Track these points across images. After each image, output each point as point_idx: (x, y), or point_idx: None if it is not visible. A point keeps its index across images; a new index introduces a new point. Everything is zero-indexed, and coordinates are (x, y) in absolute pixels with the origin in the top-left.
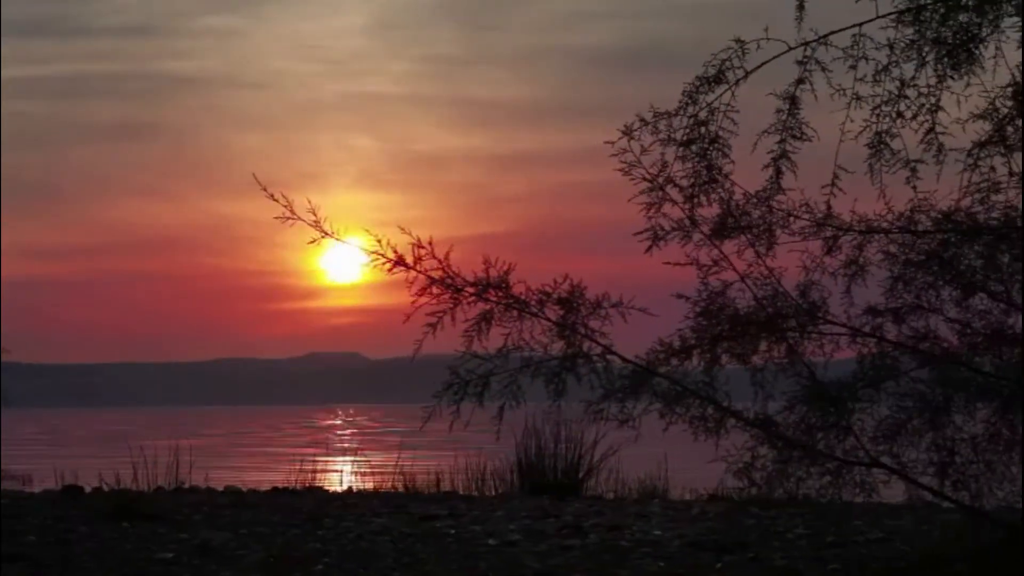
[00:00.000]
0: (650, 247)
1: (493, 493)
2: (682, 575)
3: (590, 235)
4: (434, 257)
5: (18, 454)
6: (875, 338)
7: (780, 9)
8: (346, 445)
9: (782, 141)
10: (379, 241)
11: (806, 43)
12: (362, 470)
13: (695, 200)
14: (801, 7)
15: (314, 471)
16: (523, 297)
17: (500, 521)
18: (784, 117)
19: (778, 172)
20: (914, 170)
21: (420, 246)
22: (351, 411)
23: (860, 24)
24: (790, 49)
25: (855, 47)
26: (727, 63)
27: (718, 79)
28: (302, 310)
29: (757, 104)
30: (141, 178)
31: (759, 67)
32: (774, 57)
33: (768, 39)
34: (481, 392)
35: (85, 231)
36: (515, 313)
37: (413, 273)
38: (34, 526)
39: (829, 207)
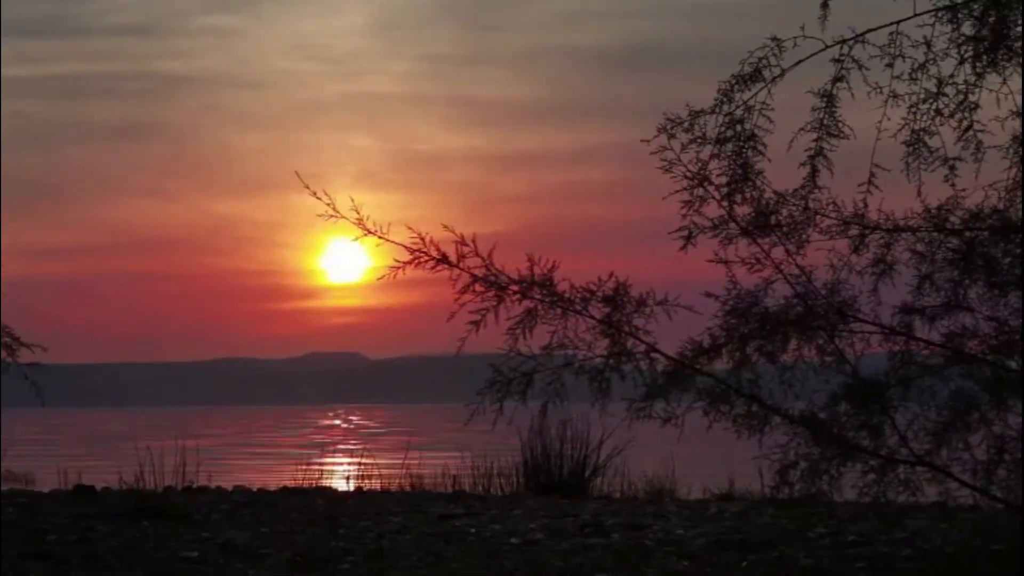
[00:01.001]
0: (685, 245)
1: (500, 493)
2: (709, 574)
3: (590, 235)
4: (478, 255)
5: (19, 454)
6: (909, 337)
7: (781, 9)
8: (350, 446)
9: (818, 139)
10: (422, 239)
11: (843, 41)
12: (368, 470)
13: (732, 198)
14: (825, 5)
15: (320, 471)
16: (567, 295)
17: (519, 520)
18: (821, 115)
19: (814, 170)
20: (952, 168)
21: (463, 244)
22: (353, 416)
23: (897, 22)
24: (827, 47)
25: (892, 45)
26: (763, 61)
27: (754, 77)
28: (302, 310)
29: (788, 103)
30: (141, 178)
31: (796, 65)
32: (810, 56)
33: (805, 37)
34: (524, 390)
35: (85, 231)
36: (559, 311)
37: (453, 271)
38: (55, 525)
39: (865, 205)
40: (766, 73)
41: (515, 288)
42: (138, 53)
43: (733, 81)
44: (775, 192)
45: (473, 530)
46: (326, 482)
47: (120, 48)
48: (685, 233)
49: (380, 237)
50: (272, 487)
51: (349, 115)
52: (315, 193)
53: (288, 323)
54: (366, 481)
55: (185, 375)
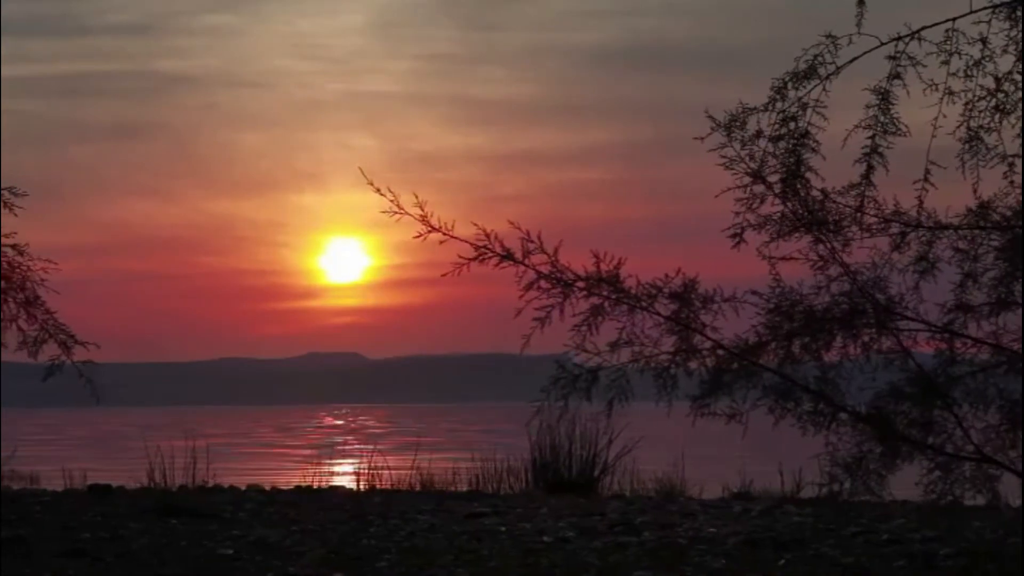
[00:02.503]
0: (737, 243)
1: (510, 492)
2: (747, 571)
3: (590, 234)
4: (544, 252)
5: (20, 454)
6: (963, 336)
7: (782, 10)
8: (357, 446)
9: (873, 136)
10: (486, 235)
11: (898, 38)
12: (378, 470)
13: (787, 195)
14: (862, 3)
15: (331, 471)
16: (634, 292)
17: (547, 518)
18: (876, 112)
19: (870, 167)
20: (1012, 165)
21: (529, 240)
22: (360, 416)
23: (954, 19)
24: (882, 44)
25: (948, 42)
26: (819, 58)
27: (808, 74)
28: (302, 310)
29: (834, 100)
30: (141, 178)
31: (851, 62)
32: (864, 53)
33: (860, 34)
34: (589, 387)
35: (84, 231)
36: (625, 308)
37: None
38: (84, 523)
39: (921, 202)
40: (821, 70)
41: (581, 285)
42: (138, 52)
43: (787, 78)
44: (821, 191)
45: (503, 528)
46: (337, 481)
47: (119, 47)
48: (738, 230)
49: (445, 234)
50: (283, 486)
51: (349, 114)
52: (379, 190)
53: (288, 323)
54: (378, 481)
55: (185, 375)
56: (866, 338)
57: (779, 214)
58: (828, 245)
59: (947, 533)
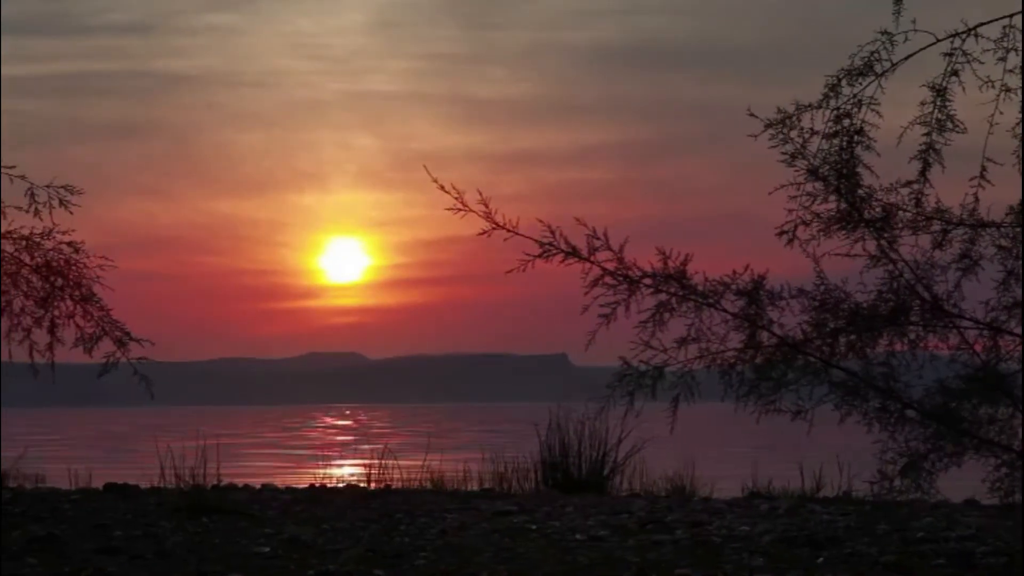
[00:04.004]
0: (791, 240)
1: (520, 491)
2: (787, 570)
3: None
4: (609, 248)
5: (22, 454)
6: (1010, 333)
7: (781, 9)
8: (364, 445)
9: (929, 133)
10: (552, 232)
11: (955, 34)
12: (388, 469)
13: (844, 192)
14: (899, 0)
15: (339, 470)
16: (700, 288)
17: (575, 517)
18: (932, 109)
19: (926, 164)
20: None
21: (595, 237)
22: (357, 415)
23: (1010, 15)
24: (937, 41)
25: (1005, 39)
26: (875, 55)
27: (864, 71)
28: (302, 310)
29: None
30: (141, 178)
31: (906, 59)
32: (919, 50)
33: (916, 31)
34: (654, 384)
35: (84, 231)
36: (691, 304)
37: (583, 264)
38: (116, 521)
39: (976, 199)
40: (876, 67)
41: (648, 282)
42: (138, 52)
43: (841, 75)
44: (867, 187)
45: (534, 527)
46: (347, 481)
47: (120, 46)
48: (790, 227)
49: (509, 231)
50: (295, 485)
51: (349, 114)
52: (443, 187)
53: (288, 323)
54: (391, 480)
55: (185, 375)
56: (912, 335)
57: (833, 211)
58: (880, 242)
59: (979, 531)
